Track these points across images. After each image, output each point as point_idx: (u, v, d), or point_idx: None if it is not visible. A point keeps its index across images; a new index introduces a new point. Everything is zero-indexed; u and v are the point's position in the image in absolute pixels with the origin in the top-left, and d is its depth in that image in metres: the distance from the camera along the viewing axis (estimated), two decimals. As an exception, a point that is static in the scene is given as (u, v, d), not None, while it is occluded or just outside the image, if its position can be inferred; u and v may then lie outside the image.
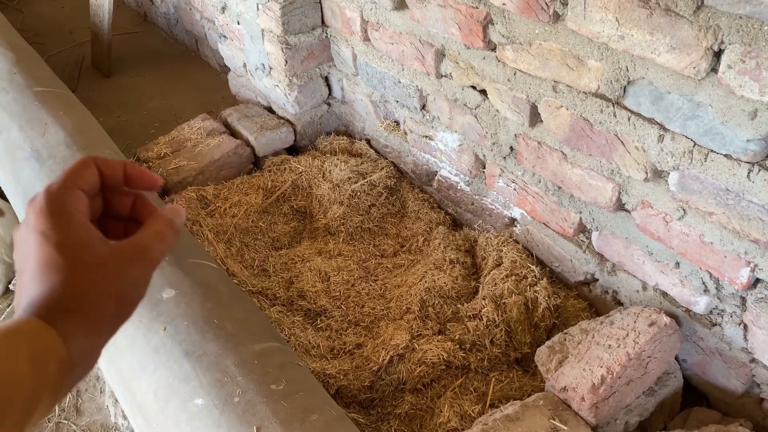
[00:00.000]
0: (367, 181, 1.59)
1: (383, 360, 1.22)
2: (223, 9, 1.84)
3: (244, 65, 1.89)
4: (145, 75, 2.38)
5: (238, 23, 1.78)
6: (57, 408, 1.65)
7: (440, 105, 1.42)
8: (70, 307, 0.43)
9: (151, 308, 1.07)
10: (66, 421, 1.63)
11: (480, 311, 1.26)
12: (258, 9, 1.63)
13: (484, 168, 1.40)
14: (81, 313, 0.43)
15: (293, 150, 1.81)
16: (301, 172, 1.63)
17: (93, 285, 0.44)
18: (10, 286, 1.77)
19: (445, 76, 1.36)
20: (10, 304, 1.78)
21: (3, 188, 1.57)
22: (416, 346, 1.23)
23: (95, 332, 0.44)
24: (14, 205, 1.53)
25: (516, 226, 1.41)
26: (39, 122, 1.53)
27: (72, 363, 0.42)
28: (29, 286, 0.43)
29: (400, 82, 1.50)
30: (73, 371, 0.43)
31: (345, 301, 1.37)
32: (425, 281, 1.34)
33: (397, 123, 1.61)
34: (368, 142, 1.75)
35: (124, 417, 1.50)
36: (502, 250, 1.38)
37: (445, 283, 1.32)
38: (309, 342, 1.27)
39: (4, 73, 1.71)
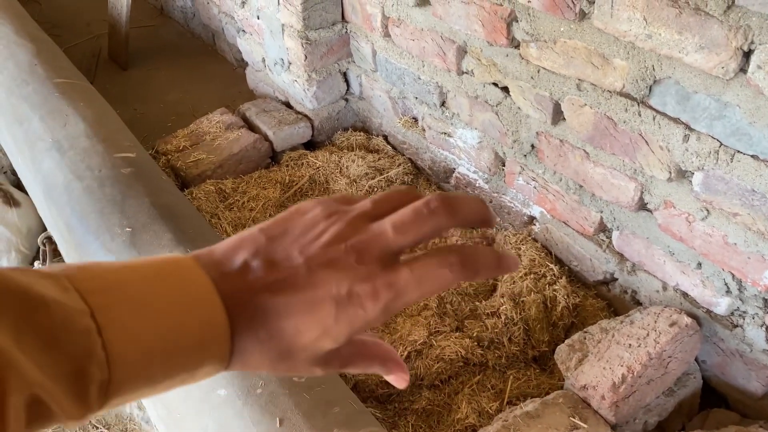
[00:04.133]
0: (384, 177, 1.59)
1: (401, 355, 1.22)
2: (243, 3, 1.84)
3: (263, 60, 1.89)
4: (161, 68, 2.39)
5: (258, 18, 1.78)
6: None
7: (460, 102, 1.42)
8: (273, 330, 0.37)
9: (173, 299, 1.07)
10: (80, 411, 1.64)
11: (498, 309, 1.26)
12: (279, 4, 1.63)
13: (504, 166, 1.40)
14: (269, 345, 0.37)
15: (311, 145, 1.81)
16: (318, 167, 1.63)
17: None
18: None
19: (466, 72, 1.36)
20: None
21: (22, 178, 1.58)
22: (434, 342, 1.23)
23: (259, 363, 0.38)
24: (33, 195, 1.54)
25: (535, 225, 1.41)
26: (60, 113, 1.54)
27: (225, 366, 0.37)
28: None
29: (419, 78, 1.50)
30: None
31: (362, 297, 1.37)
32: (443, 278, 1.34)
33: (416, 119, 1.61)
34: (385, 138, 1.75)
35: (140, 407, 1.51)
36: (520, 249, 1.37)
37: (463, 280, 1.32)
38: (327, 336, 1.27)
39: (25, 65, 1.72)
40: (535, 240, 1.40)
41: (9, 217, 1.81)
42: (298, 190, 1.60)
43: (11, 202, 1.85)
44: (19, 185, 1.85)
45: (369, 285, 0.36)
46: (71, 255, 1.29)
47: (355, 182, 1.57)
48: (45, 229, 1.50)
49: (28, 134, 1.51)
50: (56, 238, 1.40)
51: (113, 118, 1.63)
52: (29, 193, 1.58)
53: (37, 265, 1.50)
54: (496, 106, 1.32)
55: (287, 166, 1.66)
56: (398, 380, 0.43)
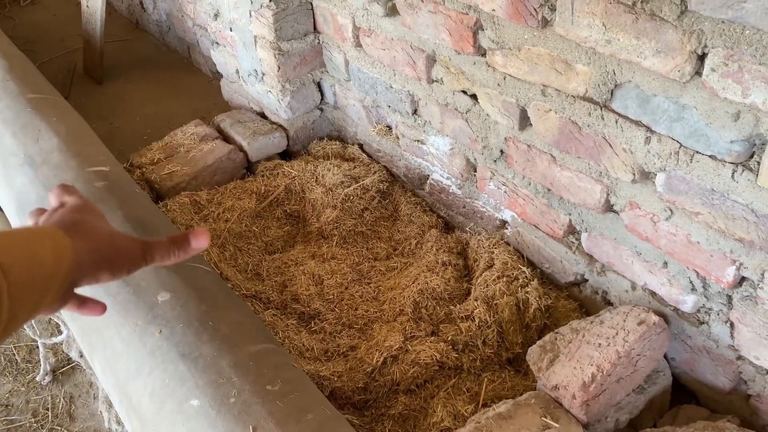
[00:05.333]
0: (359, 185, 1.60)
1: (377, 361, 1.23)
2: (216, 16, 1.85)
3: (237, 71, 1.90)
4: (137, 82, 2.39)
5: (231, 30, 1.79)
6: (50, 414, 1.65)
7: (432, 110, 1.44)
8: (81, 230, 0.69)
9: (147, 311, 1.08)
10: (59, 428, 1.63)
11: (472, 312, 1.28)
12: (251, 16, 1.64)
13: (475, 171, 1.42)
14: (87, 239, 0.69)
15: (286, 155, 1.82)
16: (294, 177, 1.64)
17: (99, 233, 0.72)
18: None
19: (436, 81, 1.38)
20: None
21: (-4, 194, 1.57)
22: (409, 347, 1.24)
23: (94, 258, 0.69)
24: (7, 210, 1.53)
25: (507, 229, 1.43)
26: (32, 128, 1.54)
27: (76, 267, 0.63)
28: (60, 215, 0.72)
29: (391, 87, 1.51)
30: (74, 276, 0.63)
31: (338, 304, 1.38)
32: (418, 283, 1.35)
33: (389, 128, 1.63)
34: (360, 146, 1.77)
35: (118, 422, 1.50)
36: (493, 252, 1.39)
37: (437, 285, 1.34)
38: (303, 345, 1.28)
39: (-3, 81, 1.72)
40: (507, 243, 1.42)
41: (-17, 233, 1.80)
42: (273, 200, 1.61)
43: (-15, 219, 1.84)
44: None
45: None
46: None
47: (331, 191, 1.58)
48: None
49: (0, 150, 1.51)
50: (30, 253, 1.39)
51: (87, 133, 1.62)
52: (3, 209, 1.57)
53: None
54: (466, 113, 1.34)
55: (263, 176, 1.67)
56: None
